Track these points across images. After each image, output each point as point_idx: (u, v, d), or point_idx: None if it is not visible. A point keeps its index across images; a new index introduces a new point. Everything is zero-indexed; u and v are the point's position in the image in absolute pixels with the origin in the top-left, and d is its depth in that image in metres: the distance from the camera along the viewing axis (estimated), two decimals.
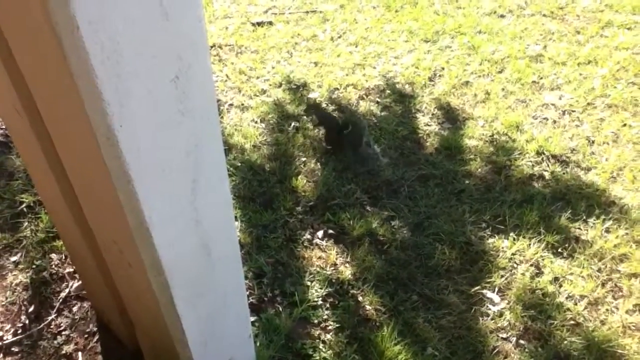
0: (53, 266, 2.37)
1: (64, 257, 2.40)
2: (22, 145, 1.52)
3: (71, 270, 2.34)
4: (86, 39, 0.80)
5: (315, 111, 3.18)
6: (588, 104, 3.47)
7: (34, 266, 2.35)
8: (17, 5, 0.90)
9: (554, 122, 3.34)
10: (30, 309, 2.19)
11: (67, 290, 2.27)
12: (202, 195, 1.20)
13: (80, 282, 2.28)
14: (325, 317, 2.25)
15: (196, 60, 0.98)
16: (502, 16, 4.46)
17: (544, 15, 4.46)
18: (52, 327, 2.15)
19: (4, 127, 3.01)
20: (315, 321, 2.23)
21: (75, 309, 2.21)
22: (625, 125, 3.30)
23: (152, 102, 0.95)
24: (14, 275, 2.32)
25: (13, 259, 2.39)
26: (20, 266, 2.35)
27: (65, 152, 1.28)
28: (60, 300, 2.24)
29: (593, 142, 3.19)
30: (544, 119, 3.37)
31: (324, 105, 3.44)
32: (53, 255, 2.41)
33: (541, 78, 3.72)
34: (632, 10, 4.44)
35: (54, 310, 2.20)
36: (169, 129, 1.02)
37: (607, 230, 2.64)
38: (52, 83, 0.98)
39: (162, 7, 0.87)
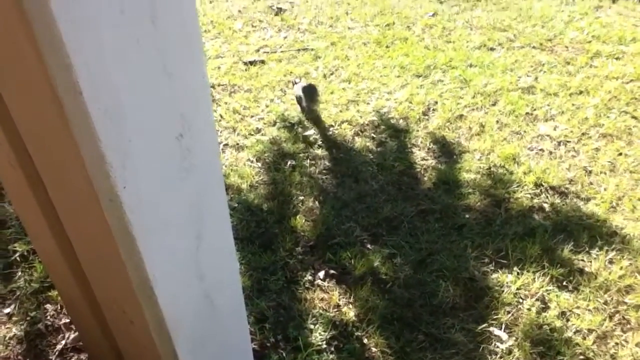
0: (48, 317, 2.30)
1: (59, 308, 2.34)
2: (16, 197, 1.48)
3: (67, 321, 2.28)
4: (89, 102, 0.78)
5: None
6: (583, 134, 3.49)
7: (28, 318, 2.28)
8: (16, 67, 0.88)
9: (550, 153, 3.35)
10: None
11: (63, 342, 2.20)
12: (206, 249, 1.17)
13: (76, 333, 2.21)
14: None
15: (200, 116, 0.96)
16: (492, 49, 4.52)
17: (534, 47, 4.52)
18: None
19: None
20: None
21: None
22: (620, 154, 3.31)
23: (156, 161, 0.93)
24: (8, 328, 2.25)
25: (6, 310, 2.32)
26: (14, 318, 2.29)
27: (63, 208, 1.25)
28: (57, 352, 2.17)
29: (590, 172, 3.19)
30: (540, 150, 3.38)
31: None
32: (48, 306, 2.34)
33: (534, 109, 3.74)
34: (619, 41, 4.51)
35: None
36: (172, 185, 1.00)
37: (611, 261, 2.62)
38: (52, 144, 0.96)
39: (165, 67, 0.86)
